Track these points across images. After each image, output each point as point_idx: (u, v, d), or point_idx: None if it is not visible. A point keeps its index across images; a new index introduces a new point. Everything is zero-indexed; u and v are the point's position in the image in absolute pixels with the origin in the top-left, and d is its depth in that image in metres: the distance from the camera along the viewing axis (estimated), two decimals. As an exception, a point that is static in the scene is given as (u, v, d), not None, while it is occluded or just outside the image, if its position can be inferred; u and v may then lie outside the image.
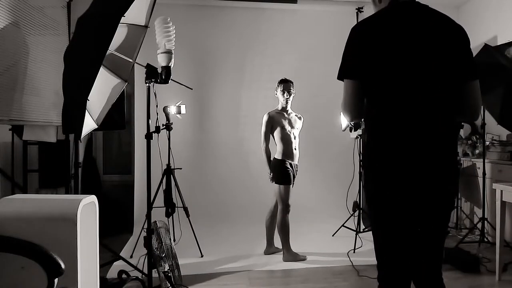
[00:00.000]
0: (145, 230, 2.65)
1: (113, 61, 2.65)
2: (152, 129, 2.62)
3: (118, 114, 3.60)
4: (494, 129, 4.45)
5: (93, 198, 2.07)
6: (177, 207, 3.77)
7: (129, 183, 4.98)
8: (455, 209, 4.73)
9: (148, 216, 2.63)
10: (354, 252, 3.79)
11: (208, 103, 5.09)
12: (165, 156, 3.84)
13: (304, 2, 5.17)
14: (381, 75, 1.53)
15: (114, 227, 4.47)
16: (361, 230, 4.23)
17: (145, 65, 2.55)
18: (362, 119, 1.69)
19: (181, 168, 3.95)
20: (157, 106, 2.66)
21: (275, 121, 3.69)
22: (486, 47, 3.91)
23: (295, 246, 3.73)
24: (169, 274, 2.78)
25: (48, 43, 3.31)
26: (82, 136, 2.54)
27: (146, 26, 2.69)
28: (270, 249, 3.87)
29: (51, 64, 3.29)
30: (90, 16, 2.30)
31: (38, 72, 3.17)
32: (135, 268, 3.18)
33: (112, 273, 3.23)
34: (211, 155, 5.08)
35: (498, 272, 3.17)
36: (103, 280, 2.64)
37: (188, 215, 3.76)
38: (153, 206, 3.56)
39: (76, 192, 3.31)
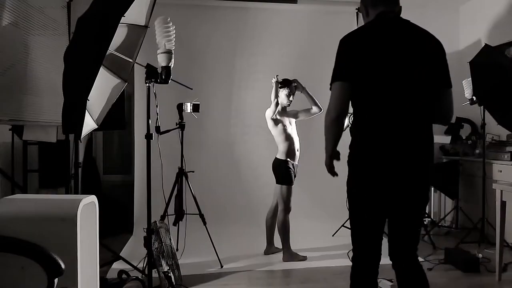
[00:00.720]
0: (145, 230, 2.65)
1: (113, 61, 2.65)
2: (152, 129, 2.62)
3: (118, 114, 3.61)
4: (494, 129, 4.45)
5: (93, 198, 2.07)
6: (187, 214, 3.63)
7: (129, 183, 4.98)
8: (456, 209, 4.73)
9: (148, 216, 2.63)
10: (354, 252, 3.78)
11: (207, 103, 5.07)
12: (176, 157, 3.73)
13: (304, 2, 5.17)
14: (366, 80, 1.75)
15: (114, 227, 4.47)
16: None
17: (145, 65, 2.55)
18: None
19: (193, 171, 3.76)
20: (157, 106, 2.67)
21: (278, 119, 3.68)
22: (486, 47, 3.91)
23: (295, 246, 3.73)
24: (169, 274, 2.78)
25: (48, 43, 3.31)
26: (82, 136, 2.55)
27: (146, 26, 2.69)
28: (270, 249, 3.87)
29: (51, 64, 3.28)
30: (90, 16, 2.29)
31: (38, 72, 3.17)
32: (135, 268, 3.18)
33: (112, 273, 3.23)
34: (210, 155, 5.08)
35: (498, 272, 3.17)
36: (103, 280, 2.64)
37: (205, 223, 3.55)
38: (167, 214, 3.54)
39: (76, 192, 3.31)
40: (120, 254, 3.42)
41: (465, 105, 4.36)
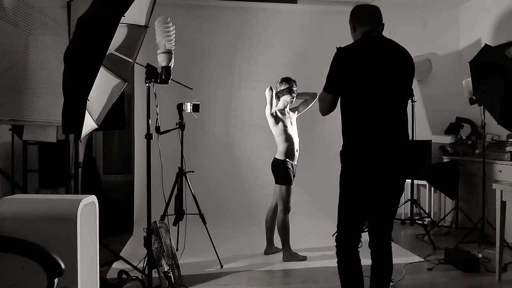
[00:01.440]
0: (145, 230, 2.65)
1: (113, 61, 2.65)
2: (152, 129, 2.61)
3: (118, 114, 3.60)
4: (494, 129, 4.45)
5: (93, 198, 2.07)
6: (187, 214, 3.63)
7: (129, 183, 4.98)
8: (456, 209, 4.73)
9: (148, 216, 2.63)
10: (354, 252, 3.78)
11: (207, 103, 5.07)
12: (176, 157, 3.72)
13: (304, 2, 5.17)
14: (355, 91, 2.15)
15: (114, 227, 4.47)
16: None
17: (145, 65, 2.55)
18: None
19: (193, 171, 3.78)
20: (157, 106, 2.67)
21: (279, 117, 3.68)
22: (486, 47, 3.91)
23: (295, 246, 3.73)
24: (169, 274, 2.78)
25: (48, 43, 3.31)
26: (82, 136, 2.55)
27: (146, 26, 2.69)
28: (270, 249, 3.87)
29: (51, 64, 3.28)
30: (90, 16, 2.29)
31: (38, 72, 3.17)
32: (135, 268, 3.18)
33: (112, 273, 3.23)
34: (210, 155, 5.08)
35: (498, 272, 3.17)
36: (103, 280, 2.64)
37: (205, 223, 3.56)
38: (167, 214, 3.54)
39: (76, 192, 3.31)
40: (120, 254, 3.42)
41: (465, 105, 4.37)
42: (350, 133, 2.20)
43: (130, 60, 2.72)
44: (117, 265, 3.29)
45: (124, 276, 2.91)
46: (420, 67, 5.38)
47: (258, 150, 4.99)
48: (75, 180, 3.24)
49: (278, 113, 3.67)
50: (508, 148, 4.26)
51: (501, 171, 4.20)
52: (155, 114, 2.72)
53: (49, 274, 1.50)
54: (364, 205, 2.24)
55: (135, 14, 2.52)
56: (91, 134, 4.99)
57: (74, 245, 1.80)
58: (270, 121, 3.67)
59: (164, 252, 2.85)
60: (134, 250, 3.87)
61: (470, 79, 3.98)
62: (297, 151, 3.70)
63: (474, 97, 4.09)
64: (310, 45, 5.19)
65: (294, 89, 3.70)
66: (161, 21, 2.49)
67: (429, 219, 5.15)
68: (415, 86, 5.29)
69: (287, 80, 3.70)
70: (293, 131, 3.70)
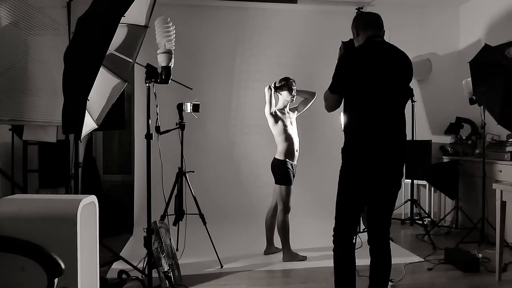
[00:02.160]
0: (145, 230, 2.65)
1: (113, 61, 2.65)
2: (152, 129, 2.61)
3: (118, 114, 3.60)
4: (494, 129, 4.45)
5: (93, 198, 2.07)
6: (187, 214, 3.63)
7: (129, 183, 4.98)
8: (456, 209, 4.73)
9: (148, 216, 2.63)
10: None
11: (207, 103, 5.07)
12: (176, 157, 3.72)
13: (304, 2, 5.16)
14: (358, 93, 2.26)
15: (114, 227, 4.47)
16: (361, 230, 4.23)
17: (145, 65, 2.55)
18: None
19: (193, 171, 3.78)
20: (157, 106, 2.66)
21: (278, 117, 3.68)
22: (486, 47, 3.91)
23: (295, 246, 3.73)
24: (169, 274, 2.78)
25: (48, 43, 3.31)
26: (82, 136, 2.55)
27: (146, 26, 2.69)
28: (270, 249, 3.87)
29: (51, 64, 3.28)
30: (90, 16, 2.29)
31: (38, 72, 3.17)
32: (135, 268, 3.18)
33: (112, 273, 3.23)
34: (210, 155, 5.08)
35: (498, 272, 3.17)
36: (103, 280, 2.64)
37: (205, 223, 3.55)
38: (167, 214, 3.54)
39: (76, 192, 3.31)
40: (120, 254, 3.42)
41: (465, 105, 4.37)
42: (352, 130, 2.31)
43: (130, 60, 2.71)
44: (117, 265, 3.29)
45: (124, 276, 2.91)
46: (420, 67, 5.41)
47: (258, 150, 4.99)
48: (75, 180, 3.25)
49: (278, 113, 3.67)
50: (508, 148, 4.26)
51: (501, 171, 4.20)
52: (155, 114, 2.71)
53: (49, 274, 1.50)
54: (362, 200, 2.35)
55: (135, 14, 2.51)
56: (91, 134, 4.98)
57: (74, 245, 1.80)
58: (270, 120, 3.66)
59: (164, 252, 2.85)
60: (134, 250, 3.87)
61: (470, 79, 3.98)
62: (297, 151, 3.70)
63: (474, 97, 4.10)
64: (310, 45, 5.19)
65: (294, 87, 3.70)
66: (161, 21, 2.49)
67: (429, 219, 5.14)
68: (415, 86, 5.29)
69: (286, 80, 3.70)
70: (293, 130, 3.70)
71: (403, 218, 5.19)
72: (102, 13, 2.24)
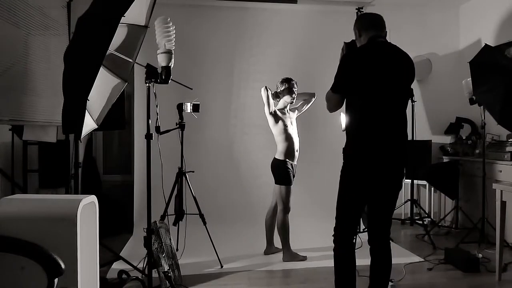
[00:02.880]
0: (145, 230, 2.65)
1: (113, 61, 2.65)
2: (152, 129, 2.61)
3: (118, 114, 3.60)
4: (494, 129, 4.45)
5: (93, 198, 2.07)
6: (187, 214, 3.63)
7: (129, 183, 4.98)
8: (456, 209, 4.73)
9: (148, 216, 2.63)
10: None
11: (207, 103, 5.07)
12: (176, 157, 3.72)
13: (304, 2, 5.16)
14: (360, 93, 2.26)
15: (114, 227, 4.47)
16: (361, 230, 4.23)
17: (145, 65, 2.54)
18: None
19: (193, 171, 3.78)
20: (157, 106, 2.66)
21: (279, 117, 3.67)
22: (486, 47, 3.91)
23: (295, 246, 3.73)
24: (169, 274, 2.78)
25: (48, 43, 3.31)
26: (82, 136, 2.55)
27: (146, 26, 2.69)
28: (270, 249, 3.87)
29: (51, 64, 3.28)
30: (90, 16, 2.29)
31: (38, 72, 3.17)
32: (135, 268, 3.18)
33: (112, 273, 3.23)
34: (210, 155, 5.08)
35: (498, 272, 3.17)
36: (103, 280, 2.64)
37: (205, 223, 3.55)
38: (167, 214, 3.54)
39: (76, 192, 3.31)
40: (120, 254, 3.42)
41: (465, 105, 4.36)
42: (353, 131, 2.31)
43: (130, 60, 2.71)
44: (117, 265, 3.29)
45: (124, 276, 2.91)
46: (420, 67, 5.38)
47: (258, 150, 4.99)
48: (75, 180, 3.25)
49: (278, 112, 3.67)
50: (508, 148, 4.26)
51: (501, 171, 4.20)
52: (155, 114, 2.71)
53: (49, 274, 1.50)
54: (363, 200, 2.35)
55: (135, 14, 2.51)
56: (91, 134, 4.99)
57: (74, 245, 1.80)
58: (270, 120, 3.66)
59: (164, 252, 2.85)
60: (134, 250, 3.87)
61: (470, 79, 3.98)
62: (297, 151, 3.70)
63: (474, 97, 4.10)
64: (310, 45, 5.19)
65: (295, 89, 3.70)
66: (161, 21, 2.49)
67: (429, 219, 5.14)
68: (415, 86, 5.29)
69: (287, 80, 3.70)
70: (293, 130, 3.70)
71: (403, 218, 5.19)
72: (102, 13, 2.24)
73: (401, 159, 2.32)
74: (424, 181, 5.14)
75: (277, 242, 3.80)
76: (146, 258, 2.68)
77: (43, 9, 3.23)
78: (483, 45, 3.98)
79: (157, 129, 2.69)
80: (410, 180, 4.93)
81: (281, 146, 3.66)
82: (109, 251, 3.25)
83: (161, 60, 2.49)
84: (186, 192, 3.64)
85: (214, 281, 3.21)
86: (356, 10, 5.14)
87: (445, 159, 5.16)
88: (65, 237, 1.79)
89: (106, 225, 2.98)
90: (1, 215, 1.80)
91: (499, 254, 3.14)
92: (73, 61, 2.23)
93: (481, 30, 5.14)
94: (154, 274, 2.72)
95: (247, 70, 5.19)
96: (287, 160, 3.63)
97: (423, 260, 3.69)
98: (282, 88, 3.69)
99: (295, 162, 3.70)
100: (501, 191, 3.11)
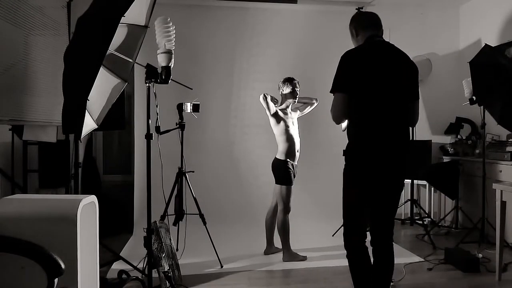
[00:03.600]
0: (145, 230, 2.65)
1: (113, 61, 2.65)
2: (152, 129, 2.61)
3: (118, 114, 3.60)
4: (494, 129, 4.45)
5: (93, 198, 2.07)
6: (187, 214, 3.63)
7: (129, 183, 4.98)
8: (456, 209, 4.73)
9: (148, 216, 2.63)
10: (354, 252, 3.78)
11: (207, 103, 5.08)
12: (176, 157, 3.72)
13: (304, 2, 5.16)
14: (360, 93, 2.20)
15: (114, 227, 4.47)
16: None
17: (145, 65, 2.54)
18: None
19: (193, 171, 3.78)
20: (157, 106, 2.66)
21: (280, 117, 3.67)
22: (486, 47, 3.91)
23: (295, 246, 3.73)
24: (169, 274, 2.78)
25: (48, 43, 3.31)
26: (82, 136, 2.55)
27: (146, 26, 2.69)
28: (270, 249, 3.87)
29: (51, 64, 3.28)
30: (90, 16, 2.29)
31: (38, 72, 3.17)
32: (135, 268, 3.18)
33: (112, 273, 3.23)
34: (210, 155, 5.08)
35: (498, 272, 3.17)
36: (103, 280, 2.64)
37: (205, 223, 3.55)
38: (167, 214, 3.54)
39: (76, 192, 3.31)
40: (120, 254, 3.42)
41: (465, 105, 4.36)
42: (355, 132, 2.28)
43: (130, 60, 2.71)
44: (117, 265, 3.29)
45: (124, 276, 2.91)
46: (420, 67, 5.36)
47: (258, 150, 4.99)
48: (75, 180, 3.24)
49: (280, 113, 3.66)
50: (508, 148, 4.26)
51: (501, 171, 4.20)
52: (155, 114, 2.71)
53: (49, 274, 1.50)
54: (366, 200, 2.30)
55: (135, 14, 2.51)
56: (91, 134, 4.98)
57: (74, 245, 1.80)
58: (272, 120, 3.67)
59: (164, 252, 2.85)
60: (134, 250, 3.88)
61: (470, 79, 3.98)
62: (298, 151, 3.70)
63: (474, 97, 4.10)
64: (310, 45, 5.19)
65: (297, 89, 3.69)
66: (161, 21, 2.49)
67: (429, 219, 5.14)
68: (415, 86, 5.29)
69: (290, 80, 3.69)
70: (294, 131, 3.70)
71: (403, 218, 5.19)
72: (102, 13, 2.24)
73: (402, 160, 2.29)
74: (424, 181, 5.14)
75: (277, 242, 3.80)
76: (146, 258, 2.68)
77: (43, 9, 3.23)
78: (483, 45, 3.99)
79: (157, 129, 2.69)
80: (410, 180, 4.93)
81: (282, 146, 3.65)
82: (109, 251, 3.26)
83: (161, 60, 2.49)
84: (186, 192, 3.64)
85: (214, 281, 3.21)
86: (356, 10, 5.13)
87: (445, 159, 5.16)
88: (65, 237, 1.79)
89: (106, 225, 2.99)
90: (1, 215, 1.80)
91: (499, 254, 3.14)
92: (73, 61, 2.23)
93: (481, 30, 5.14)
94: (154, 274, 2.72)
95: (247, 70, 5.19)
96: (288, 160, 3.63)
97: (423, 260, 3.69)
98: (284, 88, 3.68)
99: (295, 162, 3.70)
100: (501, 191, 3.11)
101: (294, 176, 3.69)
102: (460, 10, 5.59)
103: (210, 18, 5.11)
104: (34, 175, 3.86)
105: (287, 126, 3.64)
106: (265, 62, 5.15)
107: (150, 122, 2.61)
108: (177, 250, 3.46)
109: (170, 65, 2.50)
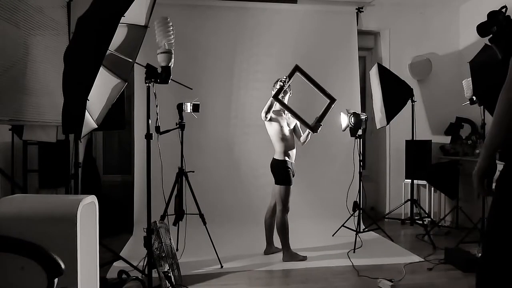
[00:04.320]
0: (145, 230, 2.65)
1: (113, 61, 2.65)
2: (152, 129, 2.61)
3: (118, 114, 3.60)
4: (494, 129, 4.45)
5: (93, 198, 2.07)
6: (187, 214, 3.63)
7: (129, 183, 4.98)
8: (456, 209, 4.73)
9: (148, 216, 2.63)
10: (354, 252, 3.78)
11: (207, 103, 5.08)
12: (176, 157, 3.72)
13: (304, 2, 5.16)
14: None
15: (114, 227, 4.47)
16: (361, 230, 4.23)
17: (145, 65, 2.55)
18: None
19: (193, 171, 3.77)
20: (157, 106, 2.66)
21: (276, 118, 3.67)
22: (486, 47, 3.91)
23: (295, 246, 3.73)
24: (169, 274, 2.78)
25: (48, 43, 3.31)
26: (82, 136, 2.55)
27: (146, 26, 2.69)
28: (270, 249, 3.87)
29: (51, 64, 3.28)
30: (90, 16, 2.30)
31: (38, 72, 3.17)
32: (135, 268, 3.18)
33: (112, 273, 3.23)
34: (210, 155, 5.08)
35: (498, 272, 3.16)
36: (103, 280, 2.63)
37: (205, 223, 3.56)
38: (167, 214, 3.55)
39: (76, 192, 3.31)
40: (120, 254, 3.42)
41: (465, 105, 4.36)
42: None
43: (130, 60, 2.71)
44: (117, 265, 3.29)
45: (124, 276, 2.91)
46: (420, 67, 5.41)
47: (258, 150, 4.98)
48: (75, 180, 3.24)
49: (273, 114, 3.64)
50: (508, 148, 4.25)
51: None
52: (155, 114, 2.71)
53: (49, 274, 1.50)
54: None
55: (135, 14, 2.51)
56: (91, 134, 4.99)
57: (74, 245, 1.80)
58: (266, 122, 3.67)
59: (164, 252, 2.85)
60: (134, 250, 3.88)
61: (470, 79, 3.98)
62: (294, 149, 3.70)
63: (474, 97, 4.10)
64: (310, 45, 5.19)
65: (285, 86, 3.59)
66: (161, 21, 2.49)
67: (429, 219, 5.14)
68: (415, 86, 5.29)
69: (277, 81, 3.67)
70: (288, 131, 3.70)
71: (403, 218, 5.19)
72: (102, 13, 2.24)
73: None
74: (424, 181, 5.13)
75: (277, 242, 3.80)
76: (146, 258, 2.68)
77: (43, 9, 3.23)
78: (483, 45, 3.98)
79: (157, 129, 2.69)
80: (410, 180, 4.93)
81: (278, 145, 3.65)
82: (109, 251, 3.25)
83: (161, 60, 2.49)
84: (186, 192, 3.64)
85: (214, 281, 3.21)
86: (356, 10, 5.13)
87: (445, 159, 5.16)
88: (65, 237, 1.79)
89: (106, 225, 2.98)
90: (1, 215, 1.80)
91: (499, 254, 3.14)
92: (73, 61, 2.24)
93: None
94: (154, 274, 2.72)
95: (247, 70, 5.19)
96: (287, 159, 3.63)
97: (423, 260, 3.69)
98: (278, 88, 3.62)
99: (293, 161, 3.70)
100: (501, 191, 3.10)
101: (293, 175, 3.69)
102: (460, 10, 5.58)
103: (210, 18, 5.11)
104: (34, 175, 3.86)
105: (281, 127, 3.64)
106: (265, 62, 5.14)
107: (150, 122, 2.61)
108: (177, 250, 3.46)
109: (170, 65, 2.50)
